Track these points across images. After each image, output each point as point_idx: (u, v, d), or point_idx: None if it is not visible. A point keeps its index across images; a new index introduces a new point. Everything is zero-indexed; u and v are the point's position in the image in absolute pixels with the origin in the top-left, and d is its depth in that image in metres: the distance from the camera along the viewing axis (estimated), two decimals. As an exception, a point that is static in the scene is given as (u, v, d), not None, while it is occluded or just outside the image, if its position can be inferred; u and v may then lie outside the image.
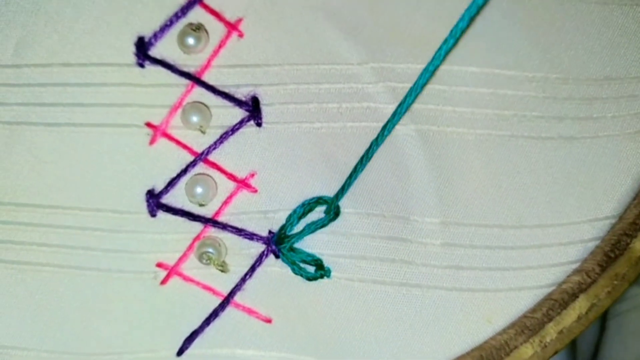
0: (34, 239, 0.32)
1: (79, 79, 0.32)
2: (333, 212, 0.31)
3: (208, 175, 0.32)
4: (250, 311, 0.32)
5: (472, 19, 0.27)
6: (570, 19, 0.31)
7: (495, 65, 0.31)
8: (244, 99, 0.31)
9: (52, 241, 0.32)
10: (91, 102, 0.32)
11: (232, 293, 0.32)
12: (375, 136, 0.30)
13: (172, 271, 0.32)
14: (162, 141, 0.32)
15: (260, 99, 0.31)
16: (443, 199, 0.31)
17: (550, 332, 0.30)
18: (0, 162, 0.32)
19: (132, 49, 0.31)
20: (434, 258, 0.31)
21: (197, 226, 0.32)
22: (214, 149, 0.32)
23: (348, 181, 0.31)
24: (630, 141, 0.31)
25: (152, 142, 0.32)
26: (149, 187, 0.32)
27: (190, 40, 0.31)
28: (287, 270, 0.31)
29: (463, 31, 0.27)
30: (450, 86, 0.31)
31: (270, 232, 0.32)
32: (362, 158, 0.30)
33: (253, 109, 0.31)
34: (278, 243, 0.31)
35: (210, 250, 0.31)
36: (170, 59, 0.32)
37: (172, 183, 0.32)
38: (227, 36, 0.32)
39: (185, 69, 0.32)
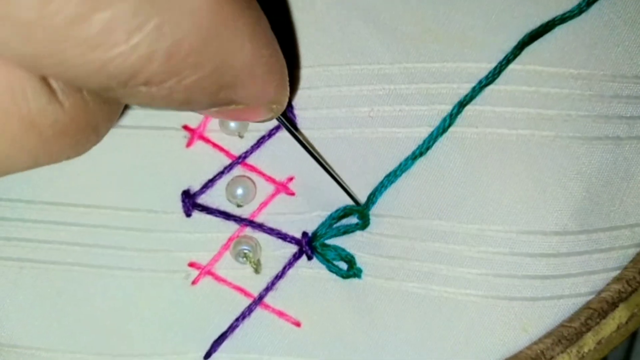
0: (63, 238, 0.32)
1: None
2: (362, 222, 0.31)
3: (248, 177, 0.32)
4: (280, 313, 0.31)
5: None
6: (617, 14, 0.31)
7: (538, 62, 0.31)
8: None
9: (84, 240, 0.32)
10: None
11: (263, 293, 0.31)
12: (408, 140, 0.31)
13: (204, 271, 0.32)
14: (199, 144, 0.32)
15: (293, 103, 0.32)
16: (481, 204, 0.30)
17: (589, 342, 0.29)
18: None
19: None
20: (470, 265, 0.30)
21: (232, 226, 0.32)
22: (251, 153, 0.32)
23: (378, 190, 0.31)
24: None
25: (189, 144, 0.32)
26: (184, 188, 0.32)
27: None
28: (318, 272, 0.31)
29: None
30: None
31: (304, 233, 0.32)
32: (397, 169, 0.30)
33: (287, 113, 0.32)
34: (312, 243, 0.31)
35: (247, 248, 0.31)
36: None
37: (208, 184, 0.32)
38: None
39: None
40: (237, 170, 0.32)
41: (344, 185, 0.31)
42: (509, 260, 0.30)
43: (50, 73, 0.20)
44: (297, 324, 0.31)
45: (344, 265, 0.31)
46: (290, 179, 0.32)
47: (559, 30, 0.31)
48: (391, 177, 0.31)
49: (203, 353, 0.31)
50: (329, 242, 0.31)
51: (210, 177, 0.32)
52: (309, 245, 0.31)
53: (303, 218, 0.32)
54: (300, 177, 0.32)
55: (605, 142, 0.30)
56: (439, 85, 0.31)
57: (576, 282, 0.30)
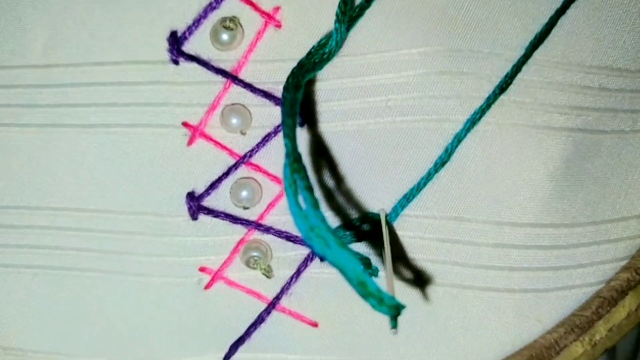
0: (73, 244, 0.31)
1: (112, 78, 0.30)
2: (372, 230, 0.31)
3: (252, 178, 0.31)
4: (296, 315, 0.31)
5: None
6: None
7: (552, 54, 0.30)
8: None
9: (92, 246, 0.31)
10: (125, 101, 0.30)
11: (278, 297, 0.31)
12: (427, 131, 0.30)
13: (216, 275, 0.31)
14: (200, 142, 0.31)
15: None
16: (498, 198, 0.30)
17: (600, 330, 0.30)
18: (37, 166, 0.31)
19: (165, 45, 0.30)
20: (486, 259, 0.31)
21: (240, 229, 0.31)
22: (256, 151, 0.31)
23: (400, 205, 0.30)
24: None
25: (190, 142, 0.31)
26: (188, 189, 0.31)
27: (225, 37, 0.30)
28: (332, 272, 0.31)
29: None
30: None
31: None
32: (422, 180, 0.30)
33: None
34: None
35: (257, 254, 0.31)
36: (204, 55, 0.30)
37: (213, 185, 0.31)
38: (264, 28, 0.30)
39: (221, 65, 0.30)
40: (242, 170, 0.31)
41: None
42: (523, 254, 0.30)
43: None
44: (315, 325, 0.31)
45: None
46: None
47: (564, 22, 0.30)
48: (419, 187, 0.30)
49: (221, 356, 0.32)
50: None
51: (214, 177, 0.31)
52: (320, 247, 0.31)
53: None
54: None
55: (611, 136, 0.30)
56: (461, 72, 0.29)
57: (586, 272, 0.31)
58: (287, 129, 0.26)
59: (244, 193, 0.31)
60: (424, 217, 0.31)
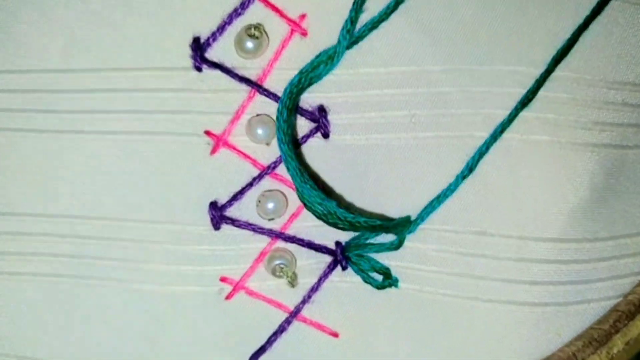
0: (92, 252, 0.31)
1: (132, 84, 0.30)
2: (397, 243, 0.30)
3: (278, 190, 0.31)
4: (317, 326, 0.31)
5: None
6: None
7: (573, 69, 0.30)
8: (310, 108, 0.30)
9: (111, 254, 0.31)
10: (146, 109, 0.30)
11: (300, 306, 0.31)
12: (450, 147, 0.30)
13: (237, 286, 0.31)
14: (223, 151, 0.30)
15: (326, 108, 0.30)
16: (520, 212, 0.30)
17: (618, 343, 0.30)
18: (52, 173, 0.30)
19: (188, 51, 0.29)
20: (508, 273, 0.31)
21: (263, 239, 0.31)
22: (281, 162, 0.30)
23: (425, 213, 0.30)
24: None
25: (213, 151, 0.30)
26: (210, 199, 0.31)
27: (249, 45, 0.29)
28: (353, 282, 0.31)
29: None
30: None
31: (337, 243, 0.31)
32: (445, 191, 0.30)
33: (320, 119, 0.30)
34: (345, 253, 0.31)
35: (283, 262, 0.31)
36: (228, 63, 0.30)
37: (236, 196, 0.30)
38: (290, 36, 0.30)
39: (246, 73, 0.30)
40: (266, 181, 0.31)
41: None
42: (544, 268, 0.31)
43: None
44: (335, 335, 0.32)
45: (378, 276, 0.31)
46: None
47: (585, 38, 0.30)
48: (440, 199, 0.30)
49: None
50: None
51: (237, 187, 0.31)
52: (343, 255, 0.31)
53: (333, 230, 0.31)
54: (332, 187, 0.31)
55: (634, 151, 0.31)
56: (484, 89, 0.30)
57: (605, 286, 0.31)
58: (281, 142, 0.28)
59: (271, 205, 0.30)
60: (445, 231, 0.31)
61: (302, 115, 0.30)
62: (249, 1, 0.29)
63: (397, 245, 0.30)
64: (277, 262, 0.31)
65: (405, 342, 0.31)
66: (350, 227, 0.28)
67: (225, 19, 0.29)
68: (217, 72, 0.30)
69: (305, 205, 0.29)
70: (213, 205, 0.30)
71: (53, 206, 0.31)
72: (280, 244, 0.31)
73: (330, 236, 0.31)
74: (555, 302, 0.31)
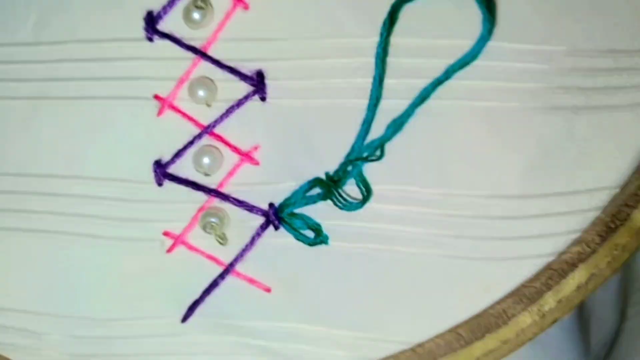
0: (50, 208, 0.33)
1: (93, 54, 0.33)
2: (323, 193, 0.32)
3: (214, 147, 0.33)
4: (250, 280, 0.32)
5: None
6: None
7: (502, 39, 0.31)
8: (249, 73, 0.32)
9: (67, 210, 0.33)
10: (104, 75, 0.33)
11: (233, 262, 0.32)
12: (379, 114, 0.31)
13: (177, 240, 0.33)
14: (169, 113, 0.33)
15: (265, 73, 0.32)
16: (446, 169, 0.31)
17: (549, 301, 0.30)
18: (23, 135, 0.33)
19: (142, 24, 0.32)
20: (435, 225, 0.31)
21: (202, 196, 0.33)
22: (220, 122, 0.32)
23: (345, 164, 0.31)
24: (631, 113, 0.31)
25: (159, 113, 0.33)
26: (156, 158, 0.33)
27: (196, 15, 0.32)
28: (286, 241, 0.32)
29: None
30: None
31: (271, 204, 0.32)
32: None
33: (258, 83, 0.32)
34: (278, 214, 0.32)
35: (214, 220, 0.32)
36: (177, 33, 0.32)
37: (178, 154, 0.32)
38: (232, 9, 0.32)
39: (192, 43, 0.32)
40: (205, 140, 0.33)
41: None
42: (471, 222, 0.31)
43: None
44: (268, 290, 0.32)
45: (311, 234, 0.32)
46: (255, 148, 0.32)
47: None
48: (358, 144, 0.31)
49: (179, 318, 0.33)
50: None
51: (180, 146, 0.33)
52: (275, 216, 0.32)
53: (270, 189, 0.32)
54: (267, 147, 0.32)
55: (564, 112, 0.31)
56: (412, 61, 0.31)
57: (537, 243, 0.31)
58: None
59: (206, 160, 0.32)
60: (372, 184, 0.32)
61: (241, 79, 0.32)
62: None
63: (324, 196, 0.31)
64: (209, 219, 0.32)
65: (336, 297, 0.32)
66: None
67: None
68: (167, 42, 0.32)
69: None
70: (157, 163, 0.33)
71: (20, 165, 0.34)
72: (217, 202, 0.33)
73: (265, 197, 0.32)
74: (484, 257, 0.31)
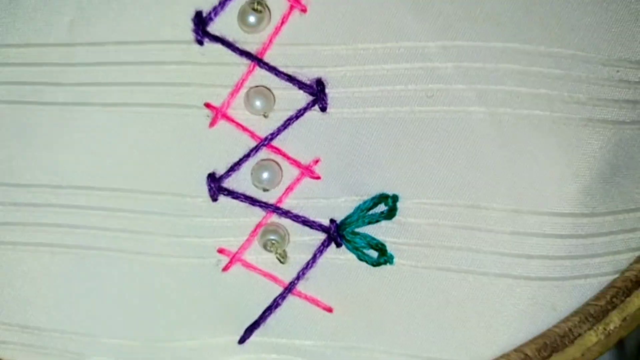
0: (93, 223, 0.31)
1: (136, 57, 0.30)
2: (387, 211, 0.31)
3: (273, 161, 0.31)
4: (311, 300, 0.32)
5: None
6: None
7: (568, 46, 0.30)
8: (308, 82, 0.30)
9: (113, 225, 0.31)
10: (148, 81, 0.30)
11: (294, 282, 0.31)
12: (444, 121, 0.30)
13: (234, 258, 0.31)
14: (222, 123, 0.31)
15: (325, 81, 0.30)
16: (515, 186, 0.31)
17: (614, 319, 0.30)
18: (57, 145, 0.31)
19: (190, 25, 0.30)
20: (503, 246, 0.31)
21: (259, 212, 0.31)
22: (278, 134, 0.31)
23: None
24: None
25: (212, 124, 0.31)
26: (209, 170, 0.31)
27: (252, 19, 0.30)
28: (348, 259, 0.31)
29: None
30: (524, 66, 0.30)
31: (332, 220, 0.31)
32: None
33: (318, 92, 0.30)
34: (340, 231, 0.31)
35: (274, 237, 0.31)
36: (230, 37, 0.30)
37: (234, 167, 0.31)
38: (289, 11, 0.30)
39: (246, 47, 0.30)
40: (263, 153, 0.31)
41: None
42: (541, 242, 0.31)
43: None
44: (329, 310, 0.32)
45: (374, 253, 0.31)
46: (316, 161, 0.31)
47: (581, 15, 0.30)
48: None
49: (236, 338, 0.32)
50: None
51: (235, 159, 0.31)
52: (337, 233, 0.31)
53: (331, 203, 0.31)
54: (328, 160, 0.31)
55: (630, 127, 0.31)
56: (478, 65, 0.30)
57: (602, 261, 0.31)
58: None
59: (265, 175, 0.31)
60: (438, 205, 0.31)
61: (300, 88, 0.30)
62: None
63: (389, 214, 0.31)
64: (270, 237, 0.31)
65: (400, 317, 0.31)
66: None
67: None
68: (218, 46, 0.30)
69: None
70: (211, 176, 0.31)
71: (56, 177, 0.31)
72: (276, 218, 0.31)
73: (325, 212, 0.31)
74: (552, 277, 0.31)
